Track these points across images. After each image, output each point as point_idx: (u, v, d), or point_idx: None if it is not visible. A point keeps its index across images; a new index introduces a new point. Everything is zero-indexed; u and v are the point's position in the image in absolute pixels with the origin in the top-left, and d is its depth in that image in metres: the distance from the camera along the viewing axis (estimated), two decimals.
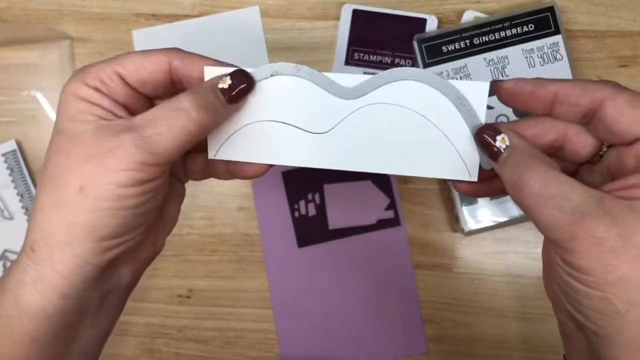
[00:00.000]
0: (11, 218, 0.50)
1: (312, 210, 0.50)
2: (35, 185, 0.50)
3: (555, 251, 0.23)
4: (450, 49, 0.47)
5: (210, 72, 0.28)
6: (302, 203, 0.50)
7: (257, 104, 0.29)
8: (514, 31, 0.47)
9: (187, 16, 0.50)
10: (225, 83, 0.27)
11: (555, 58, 0.47)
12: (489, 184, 0.29)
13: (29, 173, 0.50)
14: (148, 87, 0.28)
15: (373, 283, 0.50)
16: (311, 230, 0.50)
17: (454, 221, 0.48)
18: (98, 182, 0.24)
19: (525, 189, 0.23)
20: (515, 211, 0.48)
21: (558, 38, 0.47)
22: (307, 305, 0.50)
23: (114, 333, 0.30)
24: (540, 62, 0.48)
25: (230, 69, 0.28)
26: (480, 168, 0.28)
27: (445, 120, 0.27)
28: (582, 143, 0.26)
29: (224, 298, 0.50)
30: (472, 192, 0.29)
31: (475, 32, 0.47)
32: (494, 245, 0.49)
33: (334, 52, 0.49)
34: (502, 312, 0.49)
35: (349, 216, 0.50)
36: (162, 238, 0.31)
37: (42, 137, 0.51)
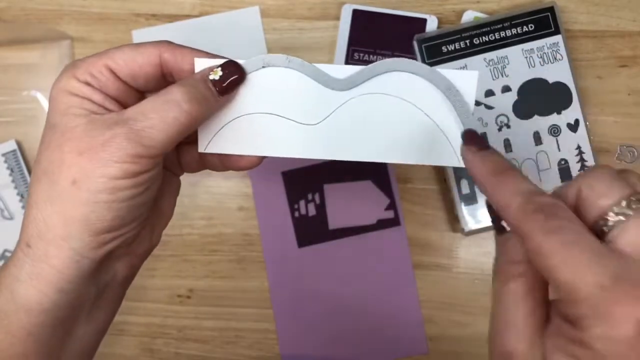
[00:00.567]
0: (11, 218, 0.50)
1: (312, 210, 0.50)
2: None
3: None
4: (450, 49, 0.47)
5: (200, 64, 0.28)
6: (302, 203, 0.50)
7: (248, 96, 0.29)
8: (514, 31, 0.47)
9: (187, 16, 0.50)
10: (217, 74, 0.27)
11: (555, 58, 0.47)
12: None
13: (29, 173, 0.50)
14: (139, 81, 0.28)
15: (373, 283, 0.50)
16: (311, 230, 0.50)
17: (454, 221, 0.48)
18: (91, 175, 0.24)
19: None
20: None
21: (558, 38, 0.47)
22: (307, 305, 0.50)
23: (113, 333, 0.30)
24: (540, 62, 0.48)
25: (221, 61, 0.28)
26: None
27: (435, 108, 0.28)
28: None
29: (224, 298, 0.50)
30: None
31: (475, 32, 0.47)
32: (494, 245, 0.49)
33: (334, 52, 0.49)
34: None
35: (349, 216, 0.50)
36: (158, 232, 0.31)
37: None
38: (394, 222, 0.49)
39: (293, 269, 0.50)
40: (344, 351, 0.49)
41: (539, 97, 0.48)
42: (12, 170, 0.50)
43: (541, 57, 0.47)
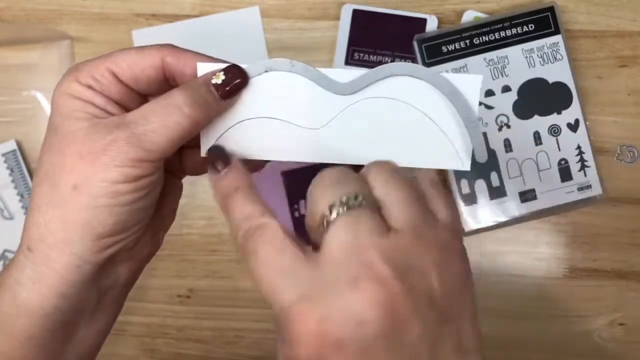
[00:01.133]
0: (11, 218, 0.50)
1: None
2: None
3: None
4: (450, 49, 0.47)
5: (203, 69, 0.28)
6: (302, 203, 0.50)
7: (251, 101, 0.28)
8: (514, 31, 0.47)
9: (187, 16, 0.50)
10: (219, 78, 0.27)
11: (555, 58, 0.47)
12: None
13: (29, 173, 0.50)
14: (141, 84, 0.28)
15: None
16: None
17: None
18: (92, 180, 0.24)
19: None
20: (515, 211, 0.48)
21: (558, 38, 0.47)
22: None
23: (114, 333, 0.30)
24: (540, 62, 0.48)
25: (224, 65, 0.28)
26: None
27: (439, 112, 0.28)
28: None
29: (224, 298, 0.50)
30: None
31: (475, 32, 0.47)
32: (494, 245, 0.49)
33: (334, 52, 0.49)
34: (502, 312, 0.49)
35: None
36: (160, 235, 0.31)
37: (42, 137, 0.50)
38: None
39: None
40: None
41: (539, 97, 0.48)
42: (12, 170, 0.50)
43: (541, 57, 0.47)
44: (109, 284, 0.28)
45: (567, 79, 0.48)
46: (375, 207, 0.23)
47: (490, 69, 0.48)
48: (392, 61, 0.49)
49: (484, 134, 0.48)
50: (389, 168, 0.25)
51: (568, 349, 0.49)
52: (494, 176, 0.48)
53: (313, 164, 0.29)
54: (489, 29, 0.47)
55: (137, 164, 0.25)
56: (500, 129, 0.48)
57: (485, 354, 0.25)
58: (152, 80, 0.28)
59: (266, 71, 0.28)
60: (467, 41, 0.47)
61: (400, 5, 0.49)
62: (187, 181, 0.33)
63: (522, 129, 0.48)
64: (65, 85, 0.26)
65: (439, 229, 0.24)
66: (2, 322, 0.25)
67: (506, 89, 0.48)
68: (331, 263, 0.22)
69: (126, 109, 0.27)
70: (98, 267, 0.26)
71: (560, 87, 0.48)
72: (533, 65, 0.48)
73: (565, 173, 0.48)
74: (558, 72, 0.47)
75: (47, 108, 0.51)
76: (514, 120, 0.48)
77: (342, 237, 0.22)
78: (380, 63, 0.49)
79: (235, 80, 0.27)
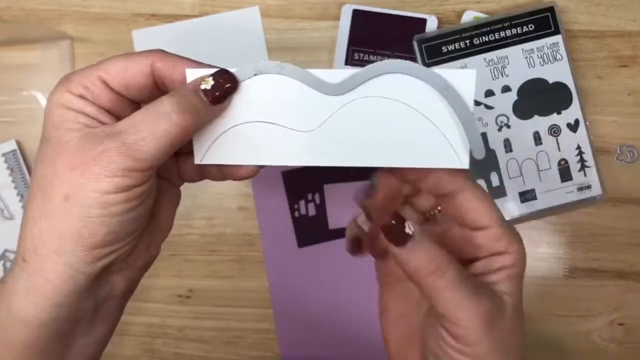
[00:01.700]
0: (11, 218, 0.50)
1: (312, 210, 0.50)
2: None
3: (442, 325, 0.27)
4: (450, 49, 0.47)
5: (192, 75, 0.27)
6: (302, 203, 0.50)
7: (242, 105, 0.28)
8: (514, 31, 0.47)
9: (187, 16, 0.50)
10: (208, 84, 0.27)
11: (555, 58, 0.47)
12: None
13: (29, 173, 0.50)
14: (132, 91, 0.27)
15: (373, 283, 0.50)
16: (311, 230, 0.50)
17: None
18: (83, 190, 0.24)
19: (438, 283, 0.26)
20: (515, 211, 0.48)
21: (558, 38, 0.47)
22: (307, 306, 0.50)
23: (114, 333, 0.30)
24: (540, 62, 0.48)
25: (213, 70, 0.27)
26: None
27: (433, 109, 0.27)
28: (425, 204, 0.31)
29: (224, 298, 0.50)
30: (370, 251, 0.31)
31: (475, 32, 0.47)
32: None
33: (334, 52, 0.49)
34: None
35: (348, 216, 0.50)
36: (156, 243, 0.31)
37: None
38: None
39: (293, 269, 0.50)
40: (343, 351, 0.49)
41: (539, 97, 0.48)
42: (12, 170, 0.50)
43: (541, 57, 0.47)
44: (105, 294, 0.28)
45: (567, 79, 0.48)
46: None
47: (490, 69, 0.48)
48: None
49: (484, 134, 0.48)
50: None
51: (568, 349, 0.49)
52: (493, 176, 0.48)
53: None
54: (489, 29, 0.47)
55: (128, 173, 0.24)
56: (500, 129, 0.48)
57: None
58: (142, 87, 0.27)
59: (255, 74, 0.28)
60: (467, 41, 0.47)
61: (400, 5, 0.49)
62: (187, 183, 0.33)
63: (522, 129, 0.48)
64: (57, 96, 0.26)
65: None
66: (0, 332, 0.25)
67: (506, 89, 0.48)
68: None
69: (118, 117, 0.27)
70: (92, 277, 0.26)
71: (560, 87, 0.48)
72: (533, 65, 0.48)
73: (565, 173, 0.48)
74: (558, 72, 0.47)
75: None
76: (514, 120, 0.48)
77: None
78: None
79: (225, 85, 0.27)
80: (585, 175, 0.48)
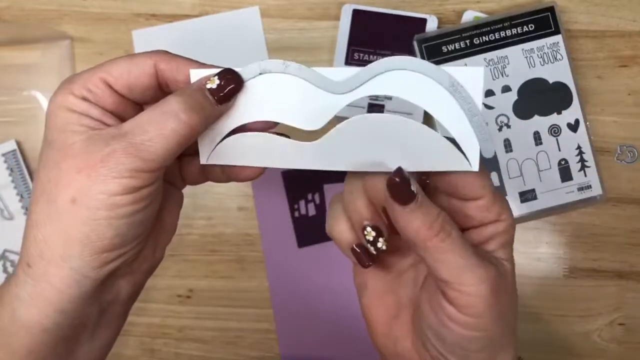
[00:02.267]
0: (11, 218, 0.50)
1: (312, 210, 0.50)
2: None
3: (446, 294, 0.26)
4: (450, 49, 0.47)
5: (196, 75, 0.27)
6: (302, 203, 0.50)
7: (247, 105, 0.28)
8: (514, 31, 0.47)
9: (187, 16, 0.50)
10: (214, 83, 0.26)
11: (555, 58, 0.47)
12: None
13: (29, 173, 0.50)
14: (136, 93, 0.27)
15: None
16: (311, 230, 0.50)
17: None
18: (90, 192, 0.24)
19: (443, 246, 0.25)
20: (515, 211, 0.48)
21: (558, 38, 0.47)
22: (307, 305, 0.50)
23: None
24: (540, 62, 0.48)
25: (218, 70, 0.27)
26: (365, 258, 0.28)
27: (441, 108, 0.26)
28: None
29: (224, 298, 0.50)
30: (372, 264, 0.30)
31: (475, 32, 0.47)
32: None
33: (334, 52, 0.49)
34: None
35: None
36: (161, 247, 0.31)
37: (42, 137, 0.51)
38: None
39: (293, 269, 0.50)
40: (344, 351, 0.49)
41: (539, 97, 0.48)
42: (12, 170, 0.50)
43: (541, 57, 0.47)
44: (110, 299, 0.28)
45: (567, 79, 0.48)
46: None
47: (490, 69, 0.47)
48: None
49: None
50: None
51: (568, 349, 0.49)
52: (494, 176, 0.48)
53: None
54: (489, 29, 0.47)
55: (136, 174, 0.24)
56: (500, 129, 0.48)
57: None
58: (146, 88, 0.27)
59: (260, 73, 0.27)
60: (467, 41, 0.47)
61: (400, 5, 0.49)
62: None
63: (522, 129, 0.48)
64: (60, 99, 0.26)
65: None
66: (3, 338, 0.25)
67: (506, 89, 0.48)
68: None
69: (122, 119, 0.27)
70: (98, 282, 0.26)
71: (560, 87, 0.48)
72: (533, 65, 0.48)
73: (565, 173, 0.48)
74: (558, 72, 0.47)
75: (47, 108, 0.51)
76: (514, 120, 0.48)
77: None
78: None
79: (230, 85, 0.27)
80: (585, 175, 0.48)
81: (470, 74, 0.26)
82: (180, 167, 0.31)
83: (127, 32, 0.51)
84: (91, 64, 0.27)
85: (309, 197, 0.50)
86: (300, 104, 0.27)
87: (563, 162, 0.48)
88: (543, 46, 0.47)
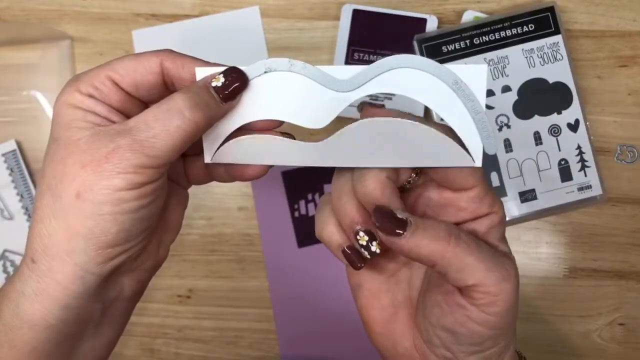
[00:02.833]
0: (11, 218, 0.50)
1: (312, 210, 0.50)
2: (35, 185, 0.50)
3: (467, 294, 0.26)
4: (450, 49, 0.47)
5: (201, 73, 0.27)
6: (302, 203, 0.50)
7: (251, 103, 0.28)
8: (514, 31, 0.47)
9: (187, 16, 0.50)
10: (219, 81, 0.27)
11: (555, 58, 0.47)
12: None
13: (29, 173, 0.50)
14: (141, 90, 0.27)
15: None
16: (311, 230, 0.49)
17: None
18: (95, 187, 0.24)
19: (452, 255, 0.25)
20: (515, 211, 0.48)
21: (558, 38, 0.47)
22: (307, 305, 0.50)
23: None
24: (540, 62, 0.48)
25: (223, 68, 0.27)
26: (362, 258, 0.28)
27: (444, 106, 0.26)
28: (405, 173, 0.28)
29: (224, 298, 0.50)
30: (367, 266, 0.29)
31: (475, 32, 0.47)
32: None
33: (334, 52, 0.49)
34: None
35: None
36: (165, 245, 0.31)
37: (42, 137, 0.51)
38: None
39: (293, 269, 0.50)
40: (344, 351, 0.49)
41: (539, 97, 0.48)
42: (12, 170, 0.50)
43: (541, 57, 0.47)
44: (113, 296, 0.28)
45: (567, 79, 0.48)
46: None
47: (490, 69, 0.48)
48: None
49: None
50: None
51: (568, 349, 0.49)
52: (494, 176, 0.48)
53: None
54: (489, 29, 0.47)
55: (140, 170, 0.24)
56: (500, 129, 0.48)
57: None
58: (151, 86, 0.27)
59: (265, 72, 0.27)
60: (467, 41, 0.47)
61: (400, 5, 0.49)
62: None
63: (522, 129, 0.48)
64: (66, 96, 0.26)
65: None
66: (6, 334, 0.25)
67: (506, 89, 0.48)
68: None
69: (128, 116, 0.27)
70: (102, 279, 0.26)
71: (560, 87, 0.48)
72: (533, 65, 0.48)
73: (565, 173, 0.48)
74: (558, 72, 0.47)
75: (47, 108, 0.51)
76: (514, 120, 0.48)
77: None
78: None
79: (235, 83, 0.27)
80: (585, 175, 0.48)
81: (474, 72, 0.26)
82: (185, 167, 0.32)
83: (127, 32, 0.51)
84: (91, 64, 0.28)
85: (309, 197, 0.50)
86: (305, 102, 0.27)
87: (563, 162, 0.48)
88: (543, 46, 0.47)
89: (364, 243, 0.26)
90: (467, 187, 0.27)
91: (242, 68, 0.27)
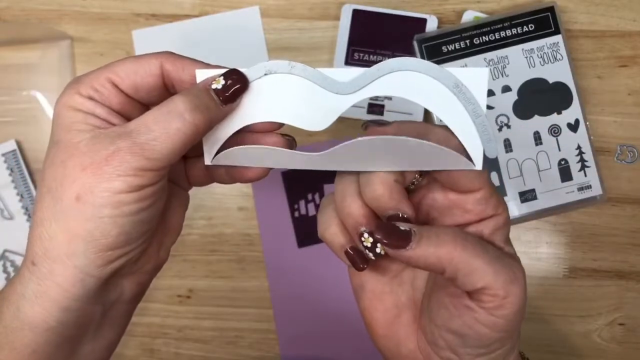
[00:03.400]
0: (11, 218, 0.50)
1: (312, 210, 0.50)
2: (35, 185, 0.50)
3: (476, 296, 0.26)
4: (450, 49, 0.47)
5: (201, 75, 0.27)
6: (302, 203, 0.50)
7: (252, 105, 0.28)
8: (514, 31, 0.47)
9: (187, 16, 0.50)
10: (219, 83, 0.27)
11: (555, 58, 0.47)
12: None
13: (29, 173, 0.50)
14: (141, 93, 0.27)
15: None
16: (311, 230, 0.50)
17: None
18: (95, 190, 0.24)
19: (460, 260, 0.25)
20: (515, 211, 0.48)
21: (558, 38, 0.47)
22: (307, 305, 0.50)
23: None
24: (540, 62, 0.48)
25: (223, 70, 0.27)
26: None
27: (445, 109, 0.26)
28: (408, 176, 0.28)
29: (224, 298, 0.50)
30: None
31: (475, 32, 0.47)
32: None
33: (334, 52, 0.49)
34: None
35: None
36: (165, 247, 0.31)
37: (42, 137, 0.51)
38: None
39: (293, 269, 0.50)
40: (344, 351, 0.49)
41: (539, 97, 0.48)
42: (12, 170, 0.50)
43: (541, 57, 0.47)
44: (114, 298, 0.28)
45: (567, 79, 0.48)
46: None
47: (490, 69, 0.48)
48: None
49: None
50: None
51: (568, 349, 0.49)
52: (494, 176, 0.48)
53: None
54: (489, 29, 0.47)
55: (140, 172, 0.24)
56: (500, 129, 0.48)
57: None
58: (152, 88, 0.27)
59: (266, 74, 0.27)
60: (467, 41, 0.47)
61: (400, 5, 0.49)
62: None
63: (522, 129, 0.48)
64: (67, 98, 0.26)
65: None
66: (7, 336, 0.25)
67: (506, 89, 0.48)
68: None
69: (128, 118, 0.27)
70: (102, 281, 0.26)
71: (560, 87, 0.48)
72: (533, 65, 0.48)
73: (565, 173, 0.48)
74: (558, 72, 0.47)
75: (47, 108, 0.51)
76: (514, 120, 0.48)
77: None
78: None
79: (236, 85, 0.27)
80: (585, 175, 0.48)
81: (474, 74, 0.26)
82: (186, 169, 0.32)
83: (127, 32, 0.51)
84: (91, 64, 0.28)
85: (309, 197, 0.50)
86: (305, 104, 0.27)
87: (563, 162, 0.48)
88: (543, 46, 0.47)
89: (369, 244, 0.26)
90: (473, 189, 0.27)
91: (243, 70, 0.27)
